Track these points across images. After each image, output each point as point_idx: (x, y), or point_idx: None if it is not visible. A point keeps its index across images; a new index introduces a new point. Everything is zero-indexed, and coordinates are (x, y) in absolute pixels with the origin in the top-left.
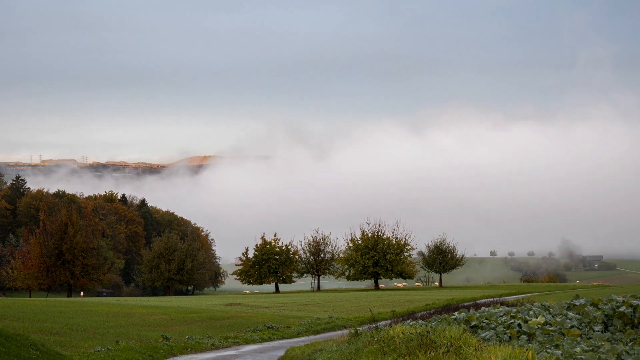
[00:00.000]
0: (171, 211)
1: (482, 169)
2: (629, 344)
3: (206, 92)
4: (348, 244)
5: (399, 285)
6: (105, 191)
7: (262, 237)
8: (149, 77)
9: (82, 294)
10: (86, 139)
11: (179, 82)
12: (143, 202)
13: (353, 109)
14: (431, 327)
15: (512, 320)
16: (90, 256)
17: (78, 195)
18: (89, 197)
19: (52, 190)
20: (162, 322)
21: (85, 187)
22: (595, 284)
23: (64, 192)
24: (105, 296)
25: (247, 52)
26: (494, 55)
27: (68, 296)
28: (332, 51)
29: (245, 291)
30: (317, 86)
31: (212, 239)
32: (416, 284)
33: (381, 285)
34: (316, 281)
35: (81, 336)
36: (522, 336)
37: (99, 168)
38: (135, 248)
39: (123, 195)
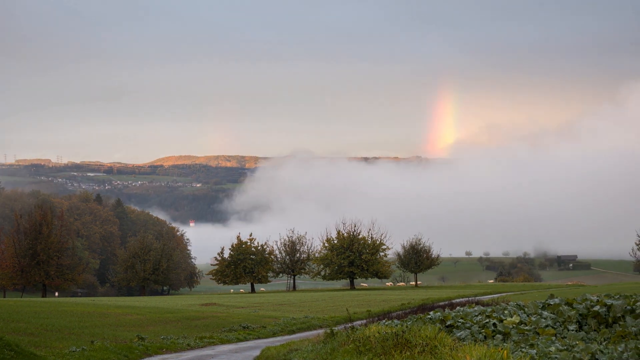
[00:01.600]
0: (146, 211)
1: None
2: (603, 343)
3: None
4: (324, 243)
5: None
6: (80, 191)
7: (238, 237)
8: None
9: (56, 294)
10: (61, 138)
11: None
12: (118, 202)
13: None
14: (407, 326)
15: (487, 320)
16: (65, 256)
17: (53, 195)
18: (64, 197)
19: (27, 190)
20: (137, 322)
21: (60, 187)
22: (569, 283)
23: (38, 192)
24: (81, 296)
25: None
26: None
27: (43, 296)
28: None
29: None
30: None
31: (187, 239)
32: (399, 283)
33: (364, 285)
34: (292, 281)
35: (56, 336)
36: (497, 335)
37: (74, 168)
38: (110, 248)
39: (98, 195)
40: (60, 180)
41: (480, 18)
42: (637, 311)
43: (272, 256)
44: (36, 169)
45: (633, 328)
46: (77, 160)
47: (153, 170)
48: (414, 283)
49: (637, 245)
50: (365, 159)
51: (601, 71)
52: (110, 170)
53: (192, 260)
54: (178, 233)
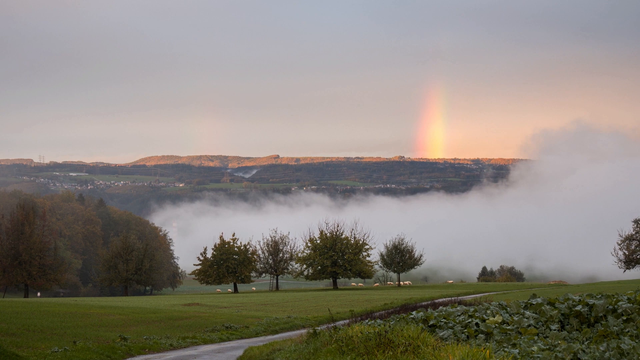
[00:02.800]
0: (129, 211)
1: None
2: (585, 343)
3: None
4: (307, 243)
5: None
6: (62, 191)
7: (221, 237)
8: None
9: (39, 294)
10: (43, 138)
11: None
12: (101, 201)
13: None
14: (389, 326)
15: (469, 320)
16: (47, 256)
17: (35, 195)
18: (46, 197)
19: (9, 190)
20: (119, 322)
21: (42, 187)
22: (552, 282)
23: (20, 192)
24: (63, 296)
25: None
26: None
27: (25, 296)
28: None
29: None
30: None
31: (170, 239)
32: (375, 284)
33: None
34: (275, 281)
35: (38, 337)
36: (480, 335)
37: (56, 167)
38: (92, 248)
39: (80, 195)
40: (42, 180)
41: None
42: (619, 311)
43: (255, 256)
44: (18, 168)
45: (615, 327)
46: (59, 160)
47: (136, 169)
48: (404, 282)
49: (619, 244)
50: (348, 159)
51: None
52: (92, 170)
53: (175, 260)
54: (161, 233)
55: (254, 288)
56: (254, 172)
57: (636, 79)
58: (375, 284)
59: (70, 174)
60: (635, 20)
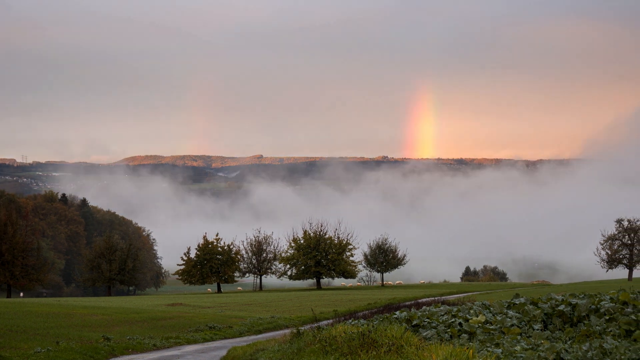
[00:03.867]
0: (112, 210)
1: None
2: (568, 342)
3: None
4: (290, 243)
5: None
6: (45, 191)
7: (204, 237)
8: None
9: (22, 294)
10: (26, 138)
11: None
12: (84, 201)
13: None
14: (373, 326)
15: (453, 319)
16: (30, 256)
17: (18, 195)
18: (29, 197)
19: None
20: (103, 322)
21: (25, 187)
22: (535, 282)
23: (3, 192)
24: (46, 297)
25: None
26: None
27: (7, 297)
28: None
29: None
30: None
31: (153, 239)
32: (357, 283)
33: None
34: (258, 281)
35: (21, 337)
36: (463, 335)
37: (39, 167)
38: (75, 248)
39: (63, 195)
40: (25, 180)
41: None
42: (602, 310)
43: (239, 256)
44: (1, 168)
45: (597, 327)
46: (42, 160)
47: (119, 169)
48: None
49: (602, 244)
50: (331, 159)
51: None
52: (75, 169)
53: (158, 260)
54: (144, 233)
55: (239, 288)
56: (238, 172)
57: None
58: (357, 284)
59: (53, 173)
60: None
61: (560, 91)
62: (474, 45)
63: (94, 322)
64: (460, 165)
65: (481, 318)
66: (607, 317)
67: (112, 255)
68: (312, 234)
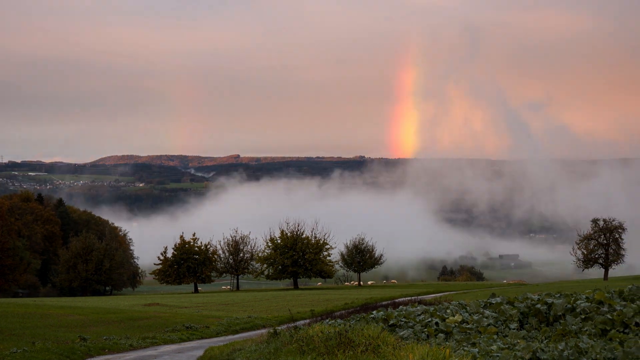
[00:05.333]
0: (89, 210)
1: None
2: (544, 342)
3: None
4: (267, 243)
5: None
6: (21, 190)
7: (181, 237)
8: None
9: None
10: (1, 137)
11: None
12: (60, 201)
13: None
14: (350, 326)
15: (429, 319)
16: (6, 256)
17: None
18: (5, 197)
19: None
20: (79, 322)
21: (0, 187)
22: (511, 282)
23: None
24: (22, 297)
25: None
26: None
27: None
28: None
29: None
30: None
31: (130, 239)
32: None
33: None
34: (235, 281)
35: None
36: (440, 334)
37: (14, 167)
38: (52, 248)
39: (39, 194)
40: (0, 179)
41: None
42: (578, 310)
43: (216, 256)
44: None
45: (573, 326)
46: (18, 160)
47: (95, 169)
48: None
49: (577, 244)
50: (308, 159)
51: None
52: (51, 169)
53: (135, 260)
54: (121, 233)
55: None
56: (215, 171)
57: None
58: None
59: (29, 173)
60: None
61: None
62: None
63: (70, 322)
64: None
65: (458, 318)
66: (583, 317)
67: (89, 255)
68: (289, 234)
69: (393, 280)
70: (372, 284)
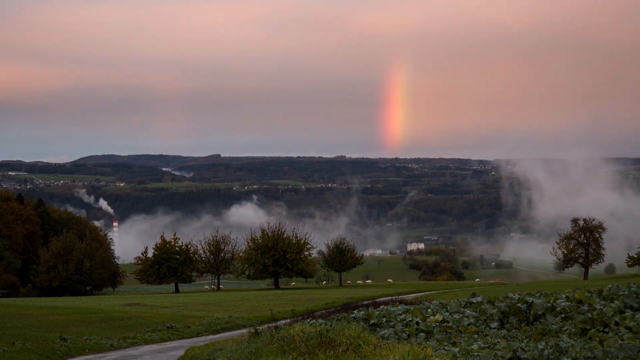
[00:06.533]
0: (69, 210)
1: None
2: (525, 341)
3: None
4: (248, 242)
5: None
6: (1, 190)
7: (162, 237)
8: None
9: None
10: None
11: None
12: (40, 201)
13: None
14: (331, 325)
15: (410, 318)
16: None
17: None
18: None
19: None
20: (59, 322)
21: None
22: (492, 281)
23: None
24: (2, 297)
25: None
26: None
27: None
28: None
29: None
30: None
31: (110, 239)
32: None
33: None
34: (216, 280)
35: None
36: (421, 334)
37: None
38: (32, 248)
39: (20, 194)
40: None
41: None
42: (558, 309)
43: (197, 256)
44: None
45: (553, 326)
46: None
47: (76, 169)
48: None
49: (558, 244)
50: (289, 158)
51: None
52: (31, 169)
53: (116, 260)
54: (101, 232)
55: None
56: (196, 171)
57: None
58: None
59: (9, 173)
60: None
61: None
62: None
63: (51, 322)
64: (417, 164)
65: (438, 317)
66: (563, 316)
67: (69, 255)
68: (270, 234)
69: (368, 281)
70: (350, 283)
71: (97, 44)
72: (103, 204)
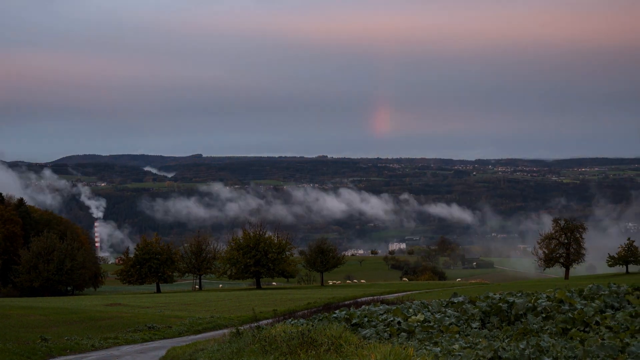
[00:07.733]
0: (50, 210)
1: None
2: (506, 341)
3: None
4: (230, 242)
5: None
6: None
7: (143, 237)
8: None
9: None
10: None
11: None
12: (21, 201)
13: None
14: (312, 325)
15: (392, 318)
16: None
17: None
18: None
19: None
20: (40, 323)
21: None
22: (473, 281)
23: None
24: None
25: None
26: None
27: None
28: None
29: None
30: None
31: (91, 239)
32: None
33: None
34: (198, 280)
35: None
36: (402, 334)
37: None
38: (13, 248)
39: (0, 194)
40: None
41: None
42: (539, 309)
43: (178, 256)
44: None
45: (534, 325)
46: None
47: (57, 169)
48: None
49: (539, 243)
50: (271, 158)
51: None
52: (12, 168)
53: (97, 260)
54: (82, 233)
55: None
56: (177, 171)
57: None
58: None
59: None
60: None
61: None
62: None
63: (32, 322)
64: (399, 164)
65: (420, 317)
66: (544, 316)
67: (50, 255)
68: (251, 234)
69: (347, 282)
70: (333, 283)
71: (80, 41)
72: (84, 204)
